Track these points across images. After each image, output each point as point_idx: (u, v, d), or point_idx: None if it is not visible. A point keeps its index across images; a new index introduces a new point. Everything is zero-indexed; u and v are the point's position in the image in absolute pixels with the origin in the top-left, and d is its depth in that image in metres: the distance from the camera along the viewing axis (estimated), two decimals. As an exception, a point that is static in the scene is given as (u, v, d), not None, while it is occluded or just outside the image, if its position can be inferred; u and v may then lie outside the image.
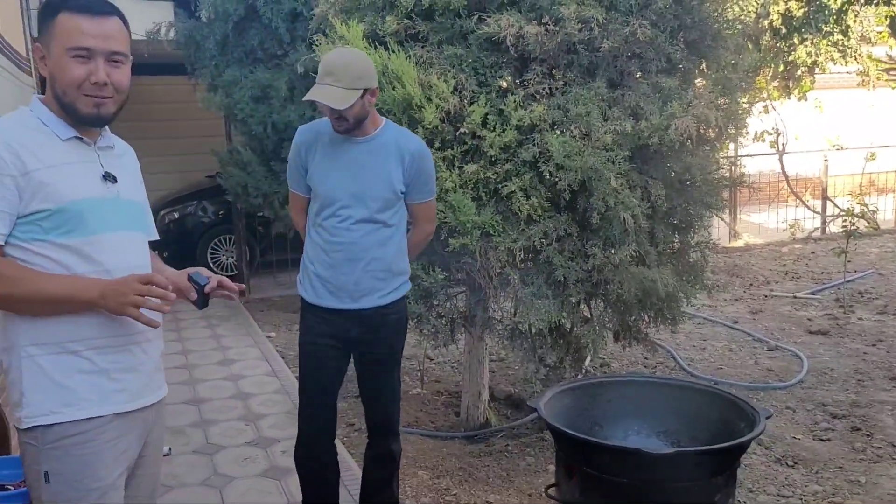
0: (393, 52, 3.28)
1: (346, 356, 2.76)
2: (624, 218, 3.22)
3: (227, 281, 1.86)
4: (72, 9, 1.62)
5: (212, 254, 8.21)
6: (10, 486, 2.23)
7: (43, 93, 1.73)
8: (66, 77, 1.62)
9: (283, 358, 5.41)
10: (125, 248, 1.72)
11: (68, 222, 1.61)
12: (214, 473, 3.58)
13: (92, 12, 1.63)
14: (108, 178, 1.71)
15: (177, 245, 8.19)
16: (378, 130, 2.61)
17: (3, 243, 1.59)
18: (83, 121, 1.67)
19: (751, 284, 7.58)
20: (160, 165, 9.48)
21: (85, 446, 1.64)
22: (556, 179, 3.20)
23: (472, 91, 3.31)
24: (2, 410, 2.46)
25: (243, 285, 1.85)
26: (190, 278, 1.80)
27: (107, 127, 1.76)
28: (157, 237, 1.92)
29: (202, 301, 1.81)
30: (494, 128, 3.27)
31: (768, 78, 8.50)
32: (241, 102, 6.17)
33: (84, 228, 1.63)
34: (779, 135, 9.78)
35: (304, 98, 2.48)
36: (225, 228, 8.09)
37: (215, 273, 1.90)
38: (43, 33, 1.65)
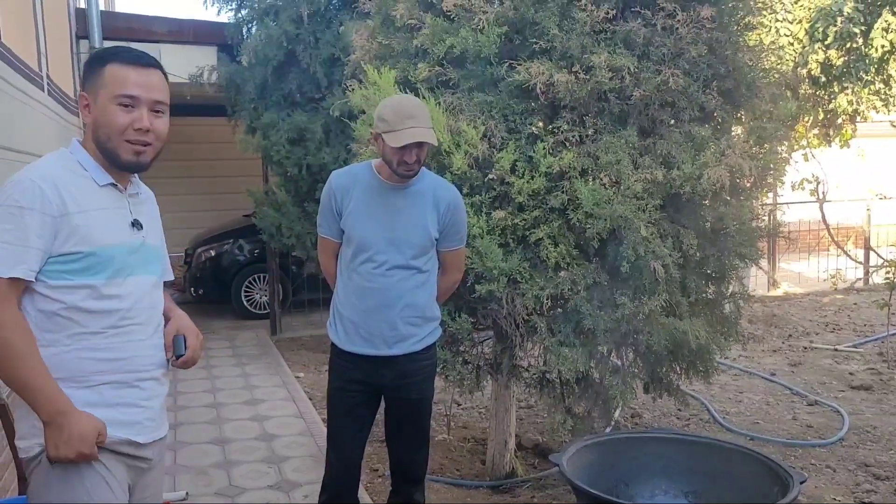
0: (423, 98, 3.31)
1: (376, 403, 2.74)
2: (654, 267, 3.16)
3: (192, 364, 1.92)
4: (121, 60, 1.73)
5: (246, 292, 8.29)
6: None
7: None
8: (112, 123, 1.71)
9: (310, 399, 5.39)
10: (143, 290, 1.79)
11: (97, 265, 1.69)
12: (235, 516, 3.55)
13: (139, 64, 1.74)
14: (136, 225, 1.80)
15: (212, 282, 8.31)
16: (415, 178, 2.62)
17: (32, 279, 1.64)
18: (123, 166, 1.76)
19: (790, 335, 7.37)
20: (199, 203, 9.70)
21: (93, 472, 1.68)
22: (586, 227, 3.17)
23: (502, 137, 3.32)
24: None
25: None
26: (174, 340, 1.88)
27: (136, 175, 1.85)
28: (171, 278, 2.01)
29: (174, 364, 1.90)
30: (523, 174, 3.26)
31: (808, 126, 8.38)
32: (278, 144, 6.29)
33: (110, 271, 1.71)
34: (819, 183, 9.61)
35: (402, 144, 2.45)
36: (259, 267, 8.18)
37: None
38: (90, 82, 1.74)
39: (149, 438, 1.80)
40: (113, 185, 1.77)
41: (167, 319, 1.93)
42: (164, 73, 1.81)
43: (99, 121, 1.72)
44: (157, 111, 1.75)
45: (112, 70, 1.72)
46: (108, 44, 6.23)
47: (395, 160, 2.51)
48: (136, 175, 1.86)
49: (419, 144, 2.49)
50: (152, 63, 1.77)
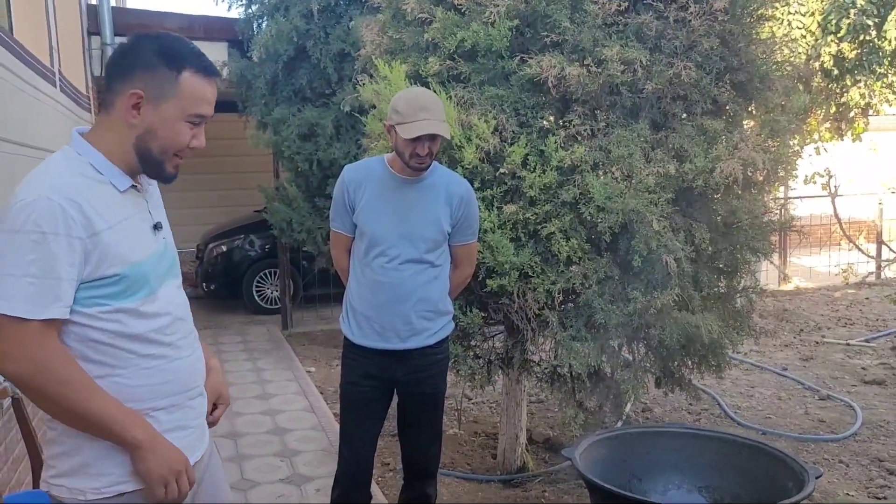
0: (435, 92, 3.30)
1: (389, 397, 2.74)
2: (666, 261, 3.15)
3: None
4: (196, 70, 1.53)
5: (257, 287, 8.32)
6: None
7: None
8: (174, 140, 1.53)
9: (321, 394, 5.41)
10: (171, 295, 1.63)
11: (133, 285, 1.50)
12: (247, 510, 3.57)
13: (213, 75, 1.57)
14: (157, 227, 1.63)
15: (223, 278, 8.34)
16: (427, 172, 2.62)
17: (66, 317, 1.42)
18: (163, 179, 1.61)
19: (801, 330, 7.33)
20: (210, 199, 9.74)
21: None
22: (597, 221, 3.16)
23: (513, 131, 3.31)
24: (39, 445, 2.49)
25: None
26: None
27: None
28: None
29: None
30: (535, 168, 3.25)
31: (820, 119, 8.32)
32: (289, 140, 6.30)
33: (146, 288, 1.53)
34: (830, 177, 9.55)
35: (414, 136, 2.45)
36: (270, 262, 8.20)
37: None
38: (152, 82, 1.50)
39: (197, 456, 1.66)
40: (133, 187, 1.56)
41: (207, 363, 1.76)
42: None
43: (156, 131, 1.51)
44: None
45: (189, 81, 1.51)
46: (119, 40, 6.26)
47: (407, 152, 2.51)
48: None
49: (432, 137, 2.49)
50: (217, 72, 1.60)
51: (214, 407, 1.79)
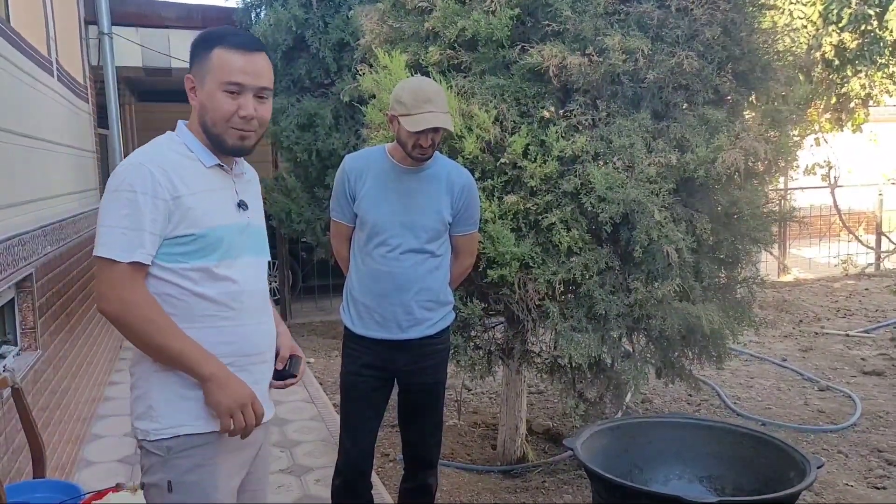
0: (435, 81, 3.29)
1: (390, 387, 2.74)
2: (667, 252, 3.14)
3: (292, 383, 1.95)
4: (228, 45, 1.69)
5: (255, 278, 8.29)
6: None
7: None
8: (218, 110, 1.69)
9: (321, 384, 5.40)
10: (251, 272, 1.79)
11: (208, 247, 1.69)
12: (248, 500, 3.56)
13: (246, 49, 1.70)
14: (242, 205, 1.80)
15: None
16: (428, 161, 2.61)
17: (149, 263, 1.65)
18: (228, 151, 1.75)
19: (801, 321, 7.34)
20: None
21: (207, 458, 1.70)
22: (598, 212, 3.15)
23: (514, 121, 3.29)
24: (39, 434, 2.49)
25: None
26: (290, 360, 1.90)
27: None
28: (269, 258, 2.01)
29: (280, 383, 1.91)
30: (535, 158, 3.23)
31: (820, 110, 8.30)
32: (287, 130, 6.27)
33: (221, 253, 1.70)
34: (831, 168, 9.54)
35: (419, 129, 2.45)
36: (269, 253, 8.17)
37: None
38: (196, 66, 1.72)
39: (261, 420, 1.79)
40: (219, 165, 1.76)
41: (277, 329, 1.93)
42: (269, 56, 1.77)
43: (205, 105, 1.71)
44: (262, 97, 1.73)
45: (219, 55, 1.69)
46: (116, 29, 6.21)
47: (409, 143, 2.50)
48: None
49: (435, 129, 2.48)
50: (259, 47, 1.74)
51: (291, 360, 1.93)
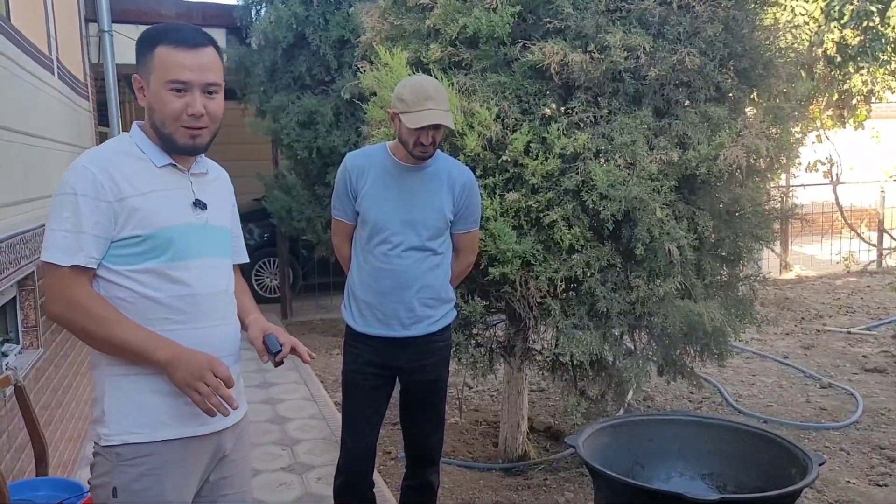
0: (436, 79, 3.28)
1: (391, 385, 2.74)
2: (669, 249, 3.13)
3: (300, 346, 1.85)
4: (170, 42, 1.66)
5: (256, 276, 8.30)
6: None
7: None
8: (165, 110, 1.66)
9: (321, 382, 5.40)
10: (209, 273, 1.74)
11: (157, 248, 1.66)
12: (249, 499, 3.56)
13: (189, 45, 1.66)
14: (199, 205, 1.75)
15: (222, 266, 8.32)
16: (430, 159, 2.61)
17: (95, 267, 1.63)
18: (180, 151, 1.72)
19: (802, 318, 7.33)
20: (209, 188, 9.68)
21: (154, 467, 1.66)
22: (600, 209, 3.14)
23: (515, 119, 3.28)
24: (42, 432, 2.49)
25: (313, 355, 1.91)
26: (264, 341, 1.81)
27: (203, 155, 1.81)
28: (246, 260, 1.97)
29: (276, 363, 1.82)
30: (537, 156, 3.23)
31: (822, 107, 8.29)
32: (288, 127, 6.26)
33: (172, 253, 1.67)
34: (832, 165, 9.52)
35: (419, 126, 2.44)
36: (270, 251, 8.18)
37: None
38: (141, 65, 1.69)
39: (217, 427, 1.74)
40: (172, 165, 1.73)
41: (244, 322, 1.88)
42: (218, 49, 1.72)
43: (153, 105, 1.68)
44: (211, 92, 1.69)
45: (161, 54, 1.65)
46: (117, 27, 6.20)
47: (411, 141, 2.49)
48: (201, 155, 1.80)
49: (436, 126, 2.47)
50: (203, 41, 1.69)
51: (266, 341, 1.83)
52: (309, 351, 1.87)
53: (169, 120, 1.67)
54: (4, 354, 2.88)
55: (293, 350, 1.83)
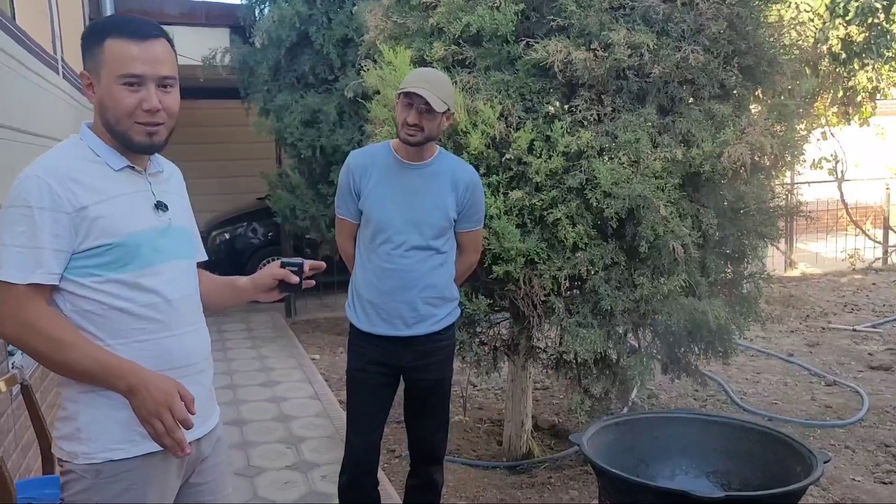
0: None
1: (396, 384, 2.74)
2: (673, 247, 3.13)
3: (312, 262, 1.89)
4: (120, 34, 1.56)
5: (260, 274, 8.30)
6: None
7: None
8: (118, 106, 1.56)
9: (326, 381, 5.41)
10: (177, 276, 1.68)
11: (124, 256, 1.57)
12: (255, 496, 3.57)
13: (140, 36, 1.56)
14: (160, 206, 1.67)
15: (226, 265, 8.33)
16: (433, 158, 2.62)
17: (56, 283, 1.53)
18: (136, 149, 1.63)
19: (807, 316, 7.31)
20: (212, 187, 9.70)
21: (136, 482, 1.60)
22: (604, 207, 3.14)
23: (519, 117, 3.28)
24: (48, 431, 2.50)
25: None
26: (284, 265, 1.84)
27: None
28: (205, 258, 1.90)
29: (301, 283, 1.85)
30: (541, 154, 3.23)
31: (827, 104, 8.27)
32: (291, 126, 6.27)
33: (139, 261, 1.59)
34: (837, 162, 9.50)
35: (402, 89, 2.46)
36: (273, 250, 8.19)
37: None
38: (89, 60, 1.59)
39: (196, 435, 1.68)
40: (130, 167, 1.63)
41: (237, 284, 1.92)
42: (170, 41, 1.62)
43: (105, 103, 1.57)
44: (166, 86, 1.59)
45: (112, 46, 1.55)
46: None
47: (399, 121, 2.51)
48: (155, 153, 1.71)
49: (424, 111, 2.46)
50: (155, 33, 1.59)
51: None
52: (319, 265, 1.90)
53: (123, 116, 1.57)
54: (10, 353, 2.89)
55: (311, 267, 1.86)
